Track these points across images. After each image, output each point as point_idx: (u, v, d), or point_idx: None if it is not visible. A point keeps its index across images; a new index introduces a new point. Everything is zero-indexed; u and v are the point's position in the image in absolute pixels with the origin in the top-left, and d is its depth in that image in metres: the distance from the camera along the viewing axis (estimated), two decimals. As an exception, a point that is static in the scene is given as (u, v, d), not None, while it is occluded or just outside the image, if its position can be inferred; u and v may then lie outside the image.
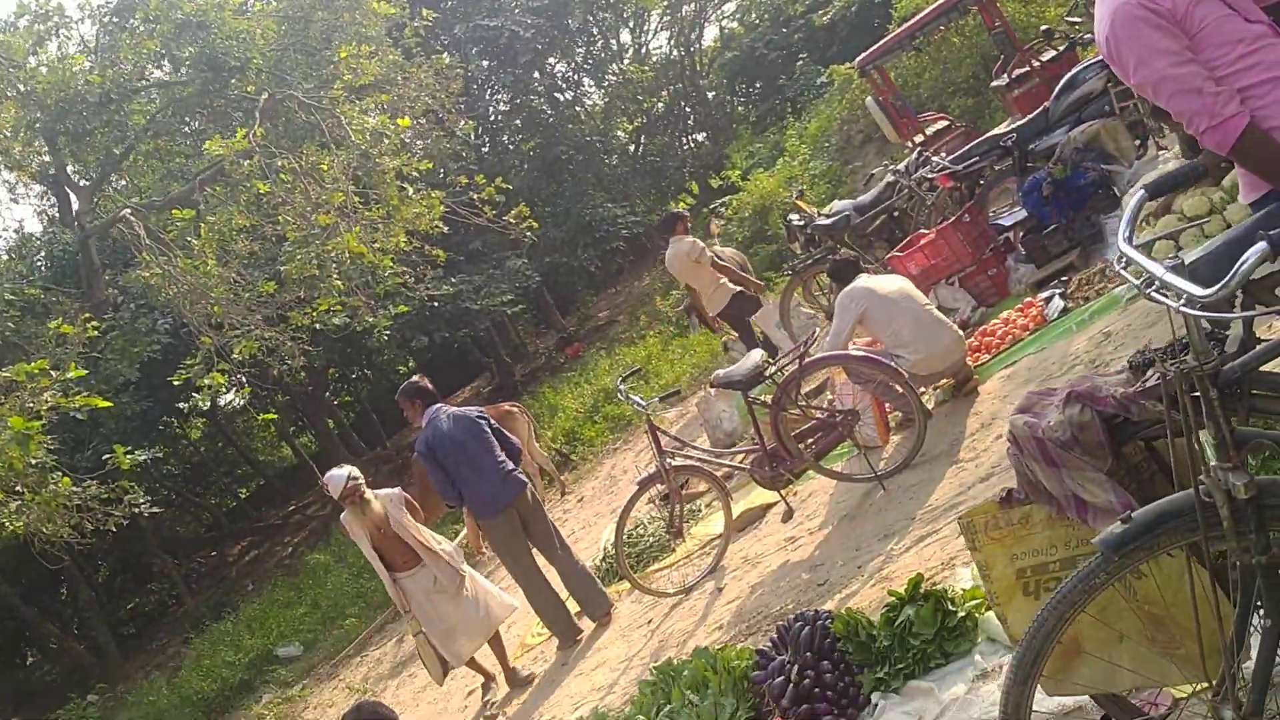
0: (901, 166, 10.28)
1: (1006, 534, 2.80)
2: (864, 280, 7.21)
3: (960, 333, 7.24)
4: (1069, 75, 9.12)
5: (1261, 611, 2.15)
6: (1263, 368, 2.17)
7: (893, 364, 6.56)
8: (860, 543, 6.11)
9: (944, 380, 7.15)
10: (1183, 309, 1.91)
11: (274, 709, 12.85)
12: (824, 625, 4.53)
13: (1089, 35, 8.97)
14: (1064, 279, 7.86)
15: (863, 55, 15.26)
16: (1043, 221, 8.53)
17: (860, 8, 23.61)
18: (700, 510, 8.53)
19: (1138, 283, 2.07)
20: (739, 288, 10.14)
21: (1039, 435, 2.64)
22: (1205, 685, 2.33)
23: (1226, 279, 1.83)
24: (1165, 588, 2.53)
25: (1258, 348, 2.15)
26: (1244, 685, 2.20)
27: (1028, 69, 13.35)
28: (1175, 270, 1.99)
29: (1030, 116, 9.23)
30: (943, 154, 10.15)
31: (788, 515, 6.92)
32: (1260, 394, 2.18)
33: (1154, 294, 2.01)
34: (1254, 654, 2.40)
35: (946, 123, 14.10)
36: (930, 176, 9.71)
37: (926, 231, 9.21)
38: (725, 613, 6.44)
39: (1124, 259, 2.18)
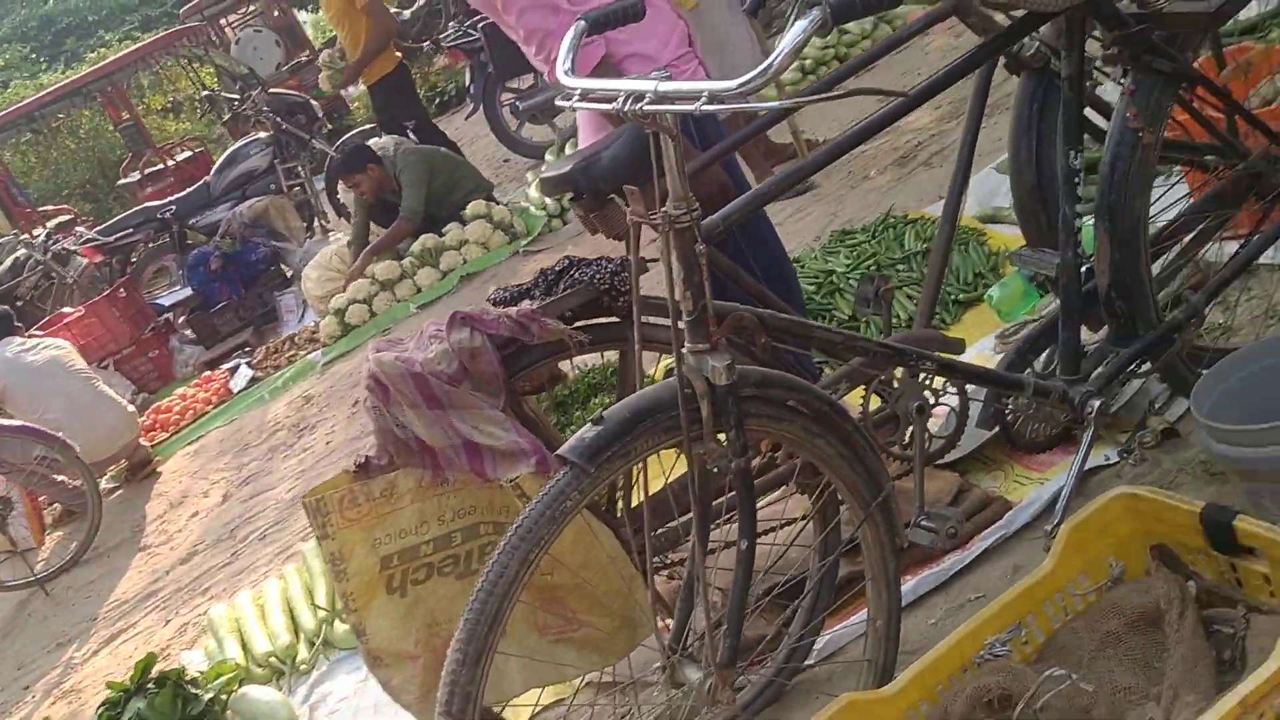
0: (36, 241, 8.82)
1: (367, 512, 2.11)
2: (10, 346, 5.87)
3: (132, 409, 6.21)
4: (231, 150, 8.68)
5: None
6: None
7: (61, 436, 5.31)
8: (23, 660, 4.79)
9: (117, 463, 6.04)
10: (704, 108, 1.48)
11: None
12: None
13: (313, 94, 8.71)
14: (248, 349, 7.24)
15: (-35, 131, 13.32)
16: (210, 299, 7.87)
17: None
18: None
19: (612, 106, 1.61)
20: None
21: (417, 370, 2.03)
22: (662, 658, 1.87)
23: (771, 58, 1.44)
24: (572, 553, 2.06)
25: (753, 189, 1.81)
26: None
27: (162, 166, 12.71)
28: (663, 79, 1.58)
29: (190, 190, 8.56)
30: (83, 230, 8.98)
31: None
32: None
33: (649, 106, 1.56)
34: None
35: (71, 215, 12.79)
36: (73, 249, 8.45)
37: (70, 310, 7.94)
38: None
39: (574, 93, 1.71)
